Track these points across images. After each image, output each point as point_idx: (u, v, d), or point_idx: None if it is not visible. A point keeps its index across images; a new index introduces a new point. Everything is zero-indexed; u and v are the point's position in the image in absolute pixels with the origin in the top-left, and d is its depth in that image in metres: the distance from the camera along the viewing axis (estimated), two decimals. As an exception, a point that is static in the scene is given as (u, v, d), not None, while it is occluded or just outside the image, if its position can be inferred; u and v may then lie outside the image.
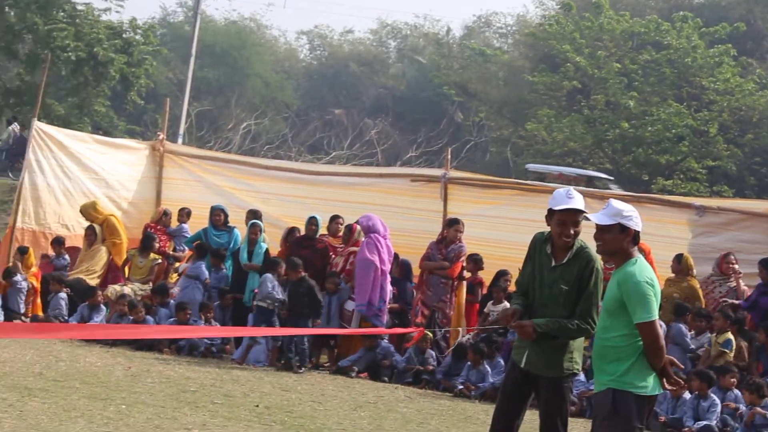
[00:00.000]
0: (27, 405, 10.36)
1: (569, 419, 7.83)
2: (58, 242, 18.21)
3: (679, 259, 15.06)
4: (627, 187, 31.31)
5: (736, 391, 12.88)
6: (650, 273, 6.87)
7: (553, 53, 40.42)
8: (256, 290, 15.96)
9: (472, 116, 49.04)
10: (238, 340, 15.72)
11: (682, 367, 7.94)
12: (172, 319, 15.76)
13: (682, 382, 7.17)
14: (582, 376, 12.88)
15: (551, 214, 7.59)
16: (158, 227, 18.26)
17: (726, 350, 13.67)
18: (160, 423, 10.17)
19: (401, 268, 16.13)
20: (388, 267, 15.36)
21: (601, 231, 6.95)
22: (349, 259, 15.84)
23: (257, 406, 11.63)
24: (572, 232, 7.55)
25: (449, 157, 18.44)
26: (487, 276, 15.92)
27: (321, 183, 18.49)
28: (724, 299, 14.83)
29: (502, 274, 15.42)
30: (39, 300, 17.19)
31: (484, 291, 15.87)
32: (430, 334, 14.87)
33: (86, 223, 18.05)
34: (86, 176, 18.86)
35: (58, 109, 35.56)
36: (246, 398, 12.12)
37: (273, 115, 51.31)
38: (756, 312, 14.51)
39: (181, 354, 15.16)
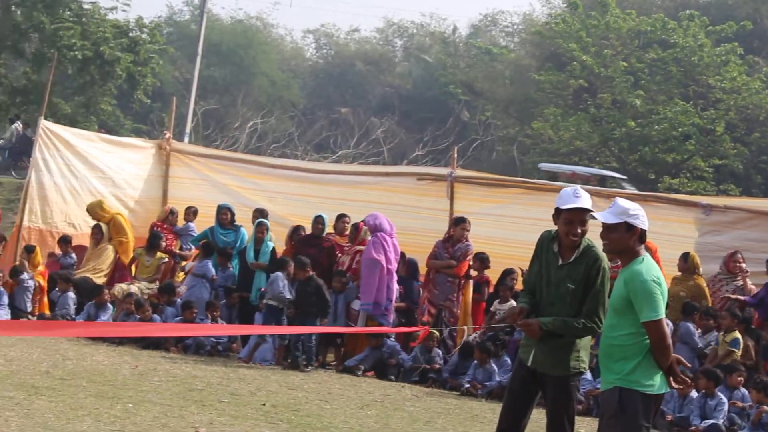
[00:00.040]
0: (34, 403, 10.36)
1: (576, 418, 7.83)
2: (64, 241, 18.23)
3: (685, 257, 15.06)
4: (640, 186, 31.20)
5: (743, 390, 12.88)
6: (657, 271, 6.85)
7: (559, 52, 40.40)
8: (262, 289, 15.98)
9: (479, 115, 49.03)
10: (245, 339, 15.73)
11: (689, 365, 7.93)
12: (178, 318, 15.77)
13: (689, 381, 7.16)
14: (588, 375, 12.84)
15: (558, 212, 7.59)
16: (165, 226, 18.28)
17: (734, 349, 13.67)
18: (167, 421, 10.18)
19: (408, 266, 16.14)
20: (394, 266, 15.35)
21: (608, 230, 6.94)
22: (355, 258, 15.84)
23: (264, 404, 11.64)
24: (579, 231, 7.55)
25: (455, 155, 18.40)
26: (493, 275, 15.93)
27: (327, 182, 18.48)
28: (731, 296, 14.82)
29: (508, 273, 15.41)
30: (46, 299, 17.21)
31: (491, 290, 15.89)
32: (437, 333, 14.88)
33: (93, 222, 18.08)
34: (93, 175, 18.89)
35: (64, 107, 35.62)
36: (253, 397, 12.12)
37: (279, 113, 51.29)
38: (763, 310, 14.51)
39: (187, 353, 15.18)
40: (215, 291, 16.61)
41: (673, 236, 15.60)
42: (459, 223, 15.69)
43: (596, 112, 38.19)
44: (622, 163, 37.30)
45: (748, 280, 14.99)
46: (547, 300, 7.69)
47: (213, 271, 16.73)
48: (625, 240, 6.89)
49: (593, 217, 7.36)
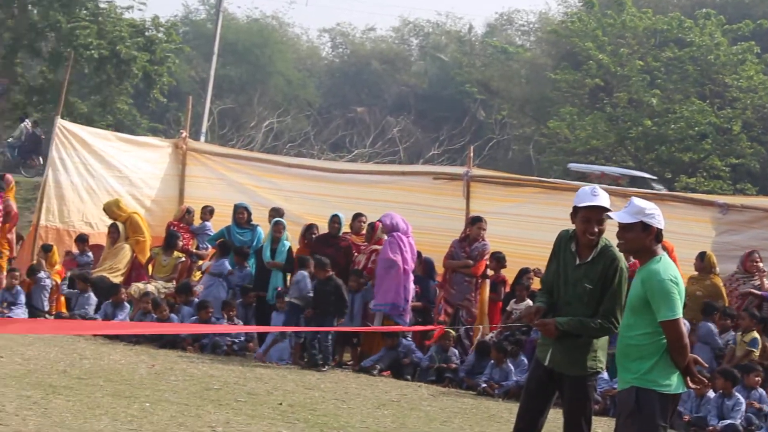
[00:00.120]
0: (51, 402, 10.39)
1: (593, 418, 7.81)
2: (81, 240, 18.28)
3: (702, 257, 15.01)
4: (669, 186, 30.99)
5: (761, 390, 12.85)
6: (674, 271, 6.82)
7: (575, 51, 40.29)
8: (279, 288, 16.00)
9: (495, 114, 48.97)
10: (261, 338, 15.74)
11: (706, 365, 7.90)
12: (194, 317, 15.79)
13: (706, 381, 7.13)
14: (605, 375, 12.80)
15: (576, 211, 7.57)
16: (181, 225, 18.32)
17: (753, 349, 13.63)
18: (184, 421, 10.19)
19: (424, 266, 16.14)
20: (411, 266, 15.34)
21: (624, 229, 6.92)
22: (371, 257, 15.84)
23: (280, 404, 11.65)
24: (596, 229, 7.52)
25: (471, 154, 18.38)
26: (509, 274, 15.91)
27: (343, 181, 18.50)
28: (752, 290, 14.77)
29: (524, 272, 15.39)
30: (63, 297, 17.26)
31: (507, 289, 15.87)
32: (453, 332, 14.87)
33: (109, 221, 18.13)
34: (109, 174, 18.96)
35: (81, 107, 35.75)
36: (269, 396, 12.14)
37: (295, 113, 51.30)
38: (780, 309, 14.48)
39: (204, 352, 15.20)
40: (232, 290, 16.63)
41: (689, 236, 15.55)
42: (475, 223, 15.67)
43: (612, 111, 38.09)
44: (638, 162, 37.19)
45: (765, 279, 14.94)
46: (564, 299, 7.67)
47: (229, 267, 16.74)
48: (641, 239, 6.87)
49: (609, 217, 7.35)
